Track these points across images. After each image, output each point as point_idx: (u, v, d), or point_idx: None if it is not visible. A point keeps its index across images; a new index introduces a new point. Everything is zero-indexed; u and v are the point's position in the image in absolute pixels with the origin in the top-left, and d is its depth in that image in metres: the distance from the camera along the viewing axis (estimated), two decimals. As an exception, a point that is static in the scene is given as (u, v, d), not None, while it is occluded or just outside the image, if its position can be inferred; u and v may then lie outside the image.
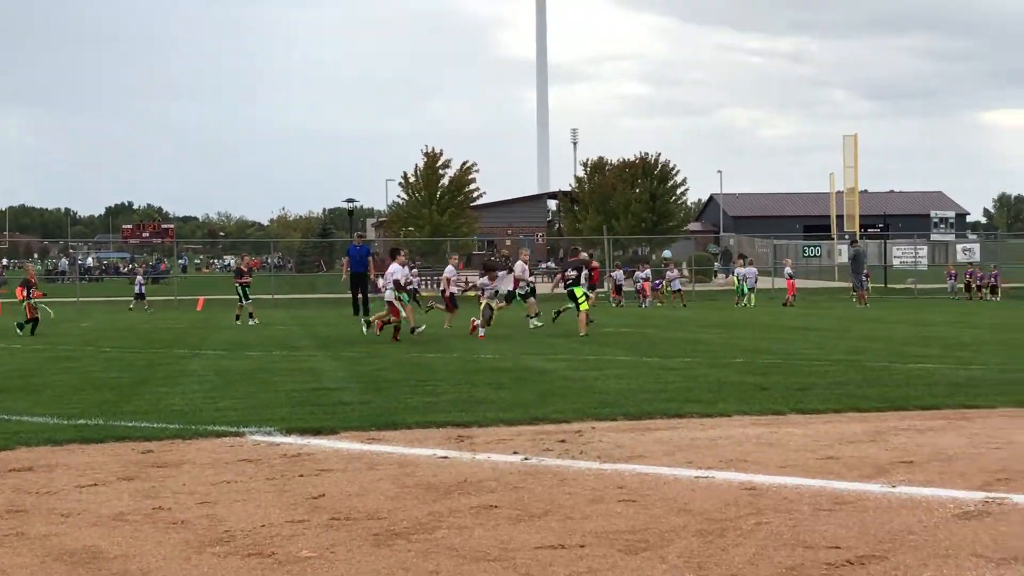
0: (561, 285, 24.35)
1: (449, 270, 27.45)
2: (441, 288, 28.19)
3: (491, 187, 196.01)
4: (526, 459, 8.28)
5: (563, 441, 9.09)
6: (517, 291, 26.93)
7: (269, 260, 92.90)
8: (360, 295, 32.94)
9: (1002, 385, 12.69)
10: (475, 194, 75.18)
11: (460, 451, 8.70)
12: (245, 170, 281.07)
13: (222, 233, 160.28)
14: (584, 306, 23.62)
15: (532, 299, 26.99)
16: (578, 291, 23.56)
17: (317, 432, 9.69)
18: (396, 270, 22.74)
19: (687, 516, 6.37)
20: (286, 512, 6.65)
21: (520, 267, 27.54)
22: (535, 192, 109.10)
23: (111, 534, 6.15)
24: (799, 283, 52.68)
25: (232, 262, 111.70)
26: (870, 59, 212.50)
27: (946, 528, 6.00)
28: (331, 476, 7.78)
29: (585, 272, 24.92)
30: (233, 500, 7.01)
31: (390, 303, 22.47)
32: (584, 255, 29.11)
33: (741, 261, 47.36)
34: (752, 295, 43.85)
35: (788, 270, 46.77)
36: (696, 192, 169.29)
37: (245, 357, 18.24)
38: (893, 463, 7.91)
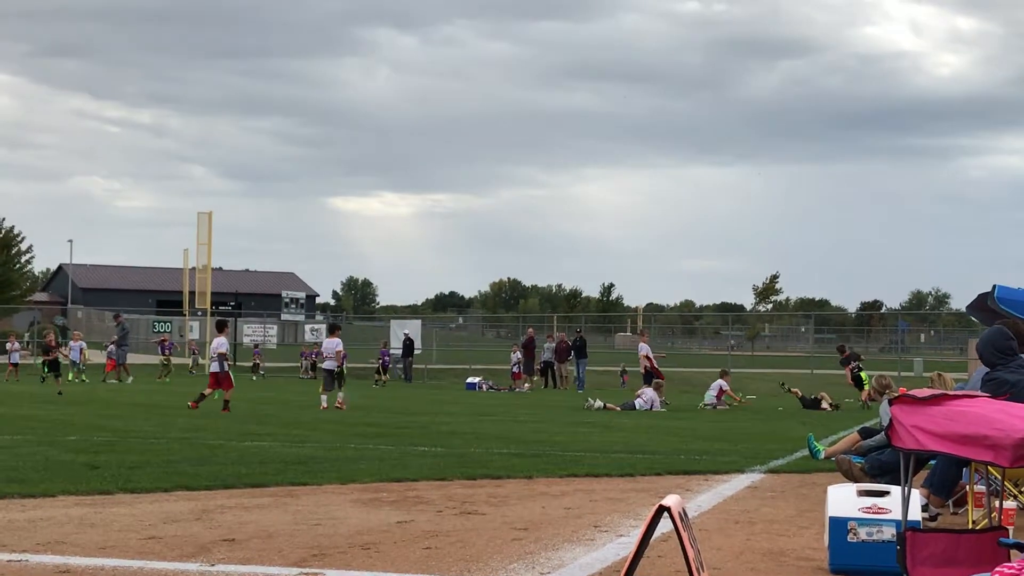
0: None
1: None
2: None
3: None
4: None
5: None
6: None
7: None
8: None
9: (330, 462, 13.24)
10: None
11: None
12: None
13: None
14: None
15: None
16: None
17: None
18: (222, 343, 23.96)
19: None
20: None
21: None
22: None
23: None
24: (149, 359, 52.01)
25: None
26: (226, 138, 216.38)
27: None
28: None
29: None
30: None
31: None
32: None
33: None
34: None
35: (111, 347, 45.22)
36: (45, 261, 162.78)
37: None
38: (215, 541, 7.98)
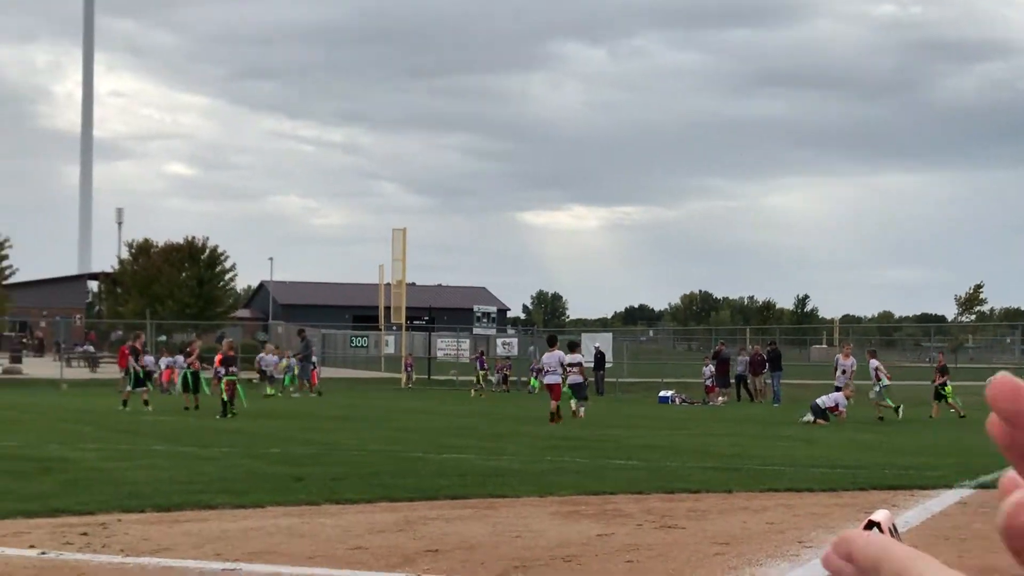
0: None
1: None
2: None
3: (26, 266, 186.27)
4: (43, 553, 7.82)
5: (85, 534, 8.66)
6: None
7: None
8: None
9: (527, 475, 13.29)
10: (7, 272, 71.19)
11: (-31, 547, 8.10)
12: None
13: None
14: None
15: None
16: None
17: None
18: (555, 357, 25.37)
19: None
20: None
21: None
22: (76, 272, 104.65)
23: None
24: (347, 372, 53.27)
25: None
26: (416, 155, 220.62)
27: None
28: None
29: None
30: None
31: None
32: None
33: (272, 347, 47.27)
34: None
35: (314, 359, 46.61)
36: (246, 278, 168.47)
37: None
38: (420, 552, 8.08)
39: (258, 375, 43.98)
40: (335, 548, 8.22)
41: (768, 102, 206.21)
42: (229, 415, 24.50)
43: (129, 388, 28.50)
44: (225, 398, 25.32)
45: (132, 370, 28.58)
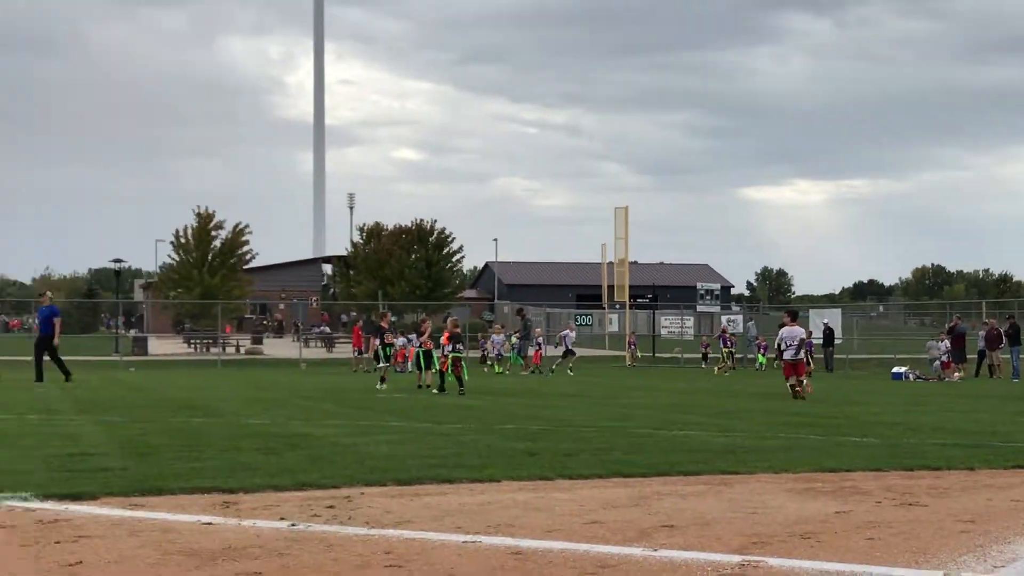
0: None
1: None
2: None
3: (265, 250, 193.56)
4: (293, 525, 8.17)
5: (331, 507, 9.01)
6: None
7: (31, 321, 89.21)
8: (45, 357, 30.46)
9: (760, 452, 13.16)
10: (248, 256, 74.17)
11: (225, 517, 8.52)
12: (5, 228, 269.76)
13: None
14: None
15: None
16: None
17: (76, 498, 9.34)
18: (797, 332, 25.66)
19: (453, 581, 6.40)
20: (39, 581, 6.39)
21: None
22: (310, 256, 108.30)
23: None
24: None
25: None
26: (639, 134, 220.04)
27: (703, 589, 6.18)
28: (90, 542, 7.51)
29: None
30: (-18, 569, 6.70)
31: None
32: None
33: (498, 327, 48.04)
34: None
35: (539, 339, 47.13)
36: (472, 259, 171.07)
37: None
38: (655, 527, 8.11)
39: (481, 355, 44.77)
40: (572, 522, 8.33)
41: (1000, 69, 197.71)
42: (459, 393, 24.98)
43: (383, 365, 29.28)
44: (451, 375, 25.87)
45: (379, 347, 29.37)
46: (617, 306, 64.17)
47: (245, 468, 11.29)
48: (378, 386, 28.00)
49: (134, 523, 8.29)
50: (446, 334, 26.70)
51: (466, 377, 26.34)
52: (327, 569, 6.71)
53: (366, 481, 10.44)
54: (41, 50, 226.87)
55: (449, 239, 78.51)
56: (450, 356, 26.02)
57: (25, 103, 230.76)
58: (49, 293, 36.32)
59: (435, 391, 26.25)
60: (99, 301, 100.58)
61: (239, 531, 7.97)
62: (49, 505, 9.03)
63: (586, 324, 76.40)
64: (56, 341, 30.03)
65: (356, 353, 45.97)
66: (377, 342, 29.69)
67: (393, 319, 60.21)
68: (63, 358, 30.72)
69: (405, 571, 6.67)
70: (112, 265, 68.68)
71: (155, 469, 11.20)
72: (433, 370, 28.04)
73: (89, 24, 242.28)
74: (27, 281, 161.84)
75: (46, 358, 30.39)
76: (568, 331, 45.13)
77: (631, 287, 61.32)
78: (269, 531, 7.96)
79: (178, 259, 72.98)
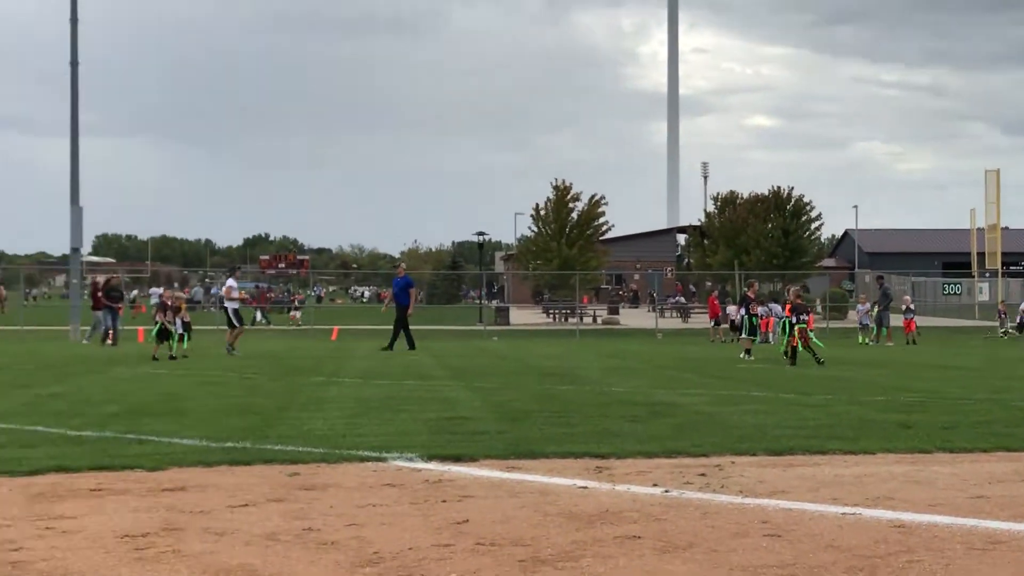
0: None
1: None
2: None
3: (620, 221, 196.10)
4: (667, 491, 8.25)
5: (703, 475, 9.04)
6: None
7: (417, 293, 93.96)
8: (401, 327, 31.88)
9: None
10: (604, 228, 75.11)
11: (599, 482, 8.70)
12: (378, 203, 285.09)
13: (354, 265, 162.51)
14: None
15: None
16: None
17: (457, 459, 9.79)
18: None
19: (835, 552, 6.29)
20: (432, 536, 6.72)
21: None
22: (664, 226, 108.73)
23: (264, 553, 6.29)
24: (939, 321, 51.42)
25: (365, 292, 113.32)
26: (1010, 93, 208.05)
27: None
28: (474, 502, 7.85)
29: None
30: (379, 523, 7.12)
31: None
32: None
33: (863, 298, 46.45)
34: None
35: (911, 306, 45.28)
36: (830, 227, 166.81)
37: (379, 385, 18.46)
38: (1050, 505, 7.71)
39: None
40: (955, 496, 8.03)
41: None
42: (818, 363, 24.44)
43: (744, 337, 29.05)
44: (800, 347, 25.38)
45: (743, 317, 29.12)
46: (987, 274, 61.11)
47: (614, 435, 11.49)
48: (741, 356, 27.82)
49: (513, 485, 8.59)
50: (787, 306, 26.21)
51: (821, 346, 25.72)
52: (705, 536, 6.74)
53: (735, 450, 10.41)
54: (414, 31, 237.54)
55: (807, 206, 76.80)
56: (796, 327, 25.51)
57: (397, 84, 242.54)
58: (403, 264, 38.09)
59: (788, 365, 25.79)
60: (462, 273, 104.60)
61: (614, 495, 8.12)
62: (433, 466, 9.49)
63: (954, 293, 73.10)
64: (410, 312, 31.45)
65: (713, 324, 45.79)
66: (742, 311, 29.39)
67: (744, 289, 59.65)
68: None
69: (784, 540, 6.61)
70: (475, 238, 71.16)
71: (528, 433, 11.57)
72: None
73: (456, 7, 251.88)
74: (395, 254, 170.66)
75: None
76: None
77: (1003, 254, 58.23)
78: (644, 496, 8.08)
79: (537, 231, 74.81)
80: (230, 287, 29.77)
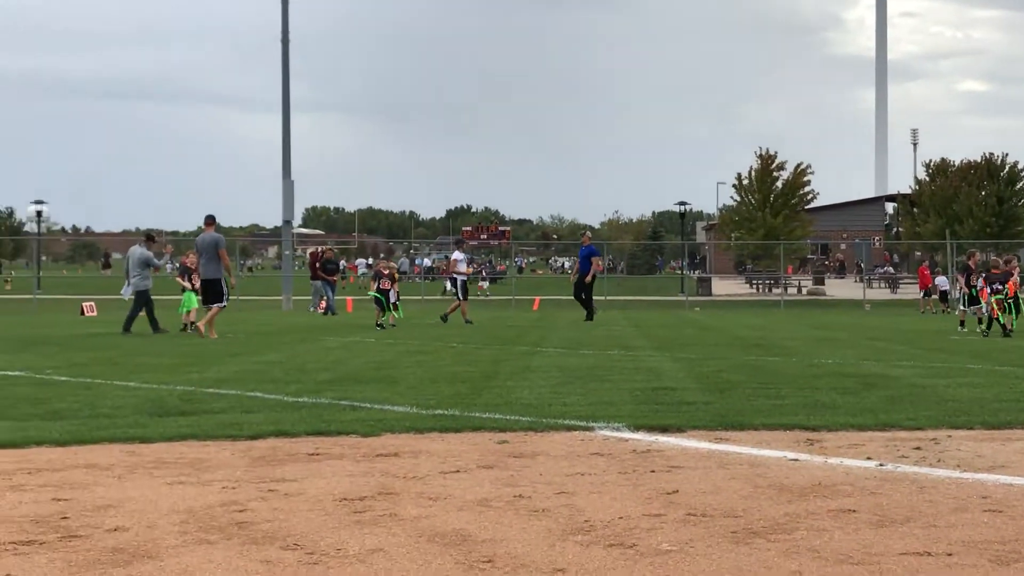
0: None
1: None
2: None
3: (825, 190, 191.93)
4: (881, 465, 8.08)
5: (918, 448, 8.82)
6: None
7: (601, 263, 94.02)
8: (584, 296, 31.75)
9: None
10: (809, 196, 73.70)
11: (810, 454, 8.58)
12: (578, 174, 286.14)
13: (555, 236, 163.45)
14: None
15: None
16: None
17: (664, 430, 9.78)
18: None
19: (1062, 530, 6.07)
20: (642, 506, 6.74)
21: None
22: (871, 195, 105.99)
23: (477, 518, 6.41)
24: None
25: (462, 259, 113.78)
26: None
27: None
28: (682, 473, 7.83)
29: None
30: (589, 492, 7.17)
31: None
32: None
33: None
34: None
35: None
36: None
37: (583, 355, 18.55)
38: None
39: None
40: None
41: None
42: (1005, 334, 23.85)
43: (963, 308, 28.24)
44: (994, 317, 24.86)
45: (964, 289, 28.31)
46: None
47: (824, 407, 11.30)
48: (963, 328, 27.02)
49: (722, 456, 8.54)
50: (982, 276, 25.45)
51: (1013, 316, 24.79)
52: (922, 510, 6.58)
53: (951, 424, 10.12)
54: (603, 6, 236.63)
55: (1022, 173, 73.88)
56: (992, 298, 24.72)
57: (598, 54, 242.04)
58: (589, 233, 38.12)
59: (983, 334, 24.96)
60: (663, 243, 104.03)
61: (826, 468, 8.00)
62: (640, 436, 9.50)
63: None
64: (588, 279, 31.33)
65: (923, 294, 44.56)
66: (963, 280, 28.48)
67: (959, 260, 57.81)
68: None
69: (1006, 516, 6.41)
70: (676, 208, 70.70)
71: (736, 405, 11.48)
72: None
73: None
74: (596, 224, 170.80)
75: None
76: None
77: None
78: (858, 470, 7.93)
79: (740, 200, 73.91)
80: (455, 259, 30.29)
